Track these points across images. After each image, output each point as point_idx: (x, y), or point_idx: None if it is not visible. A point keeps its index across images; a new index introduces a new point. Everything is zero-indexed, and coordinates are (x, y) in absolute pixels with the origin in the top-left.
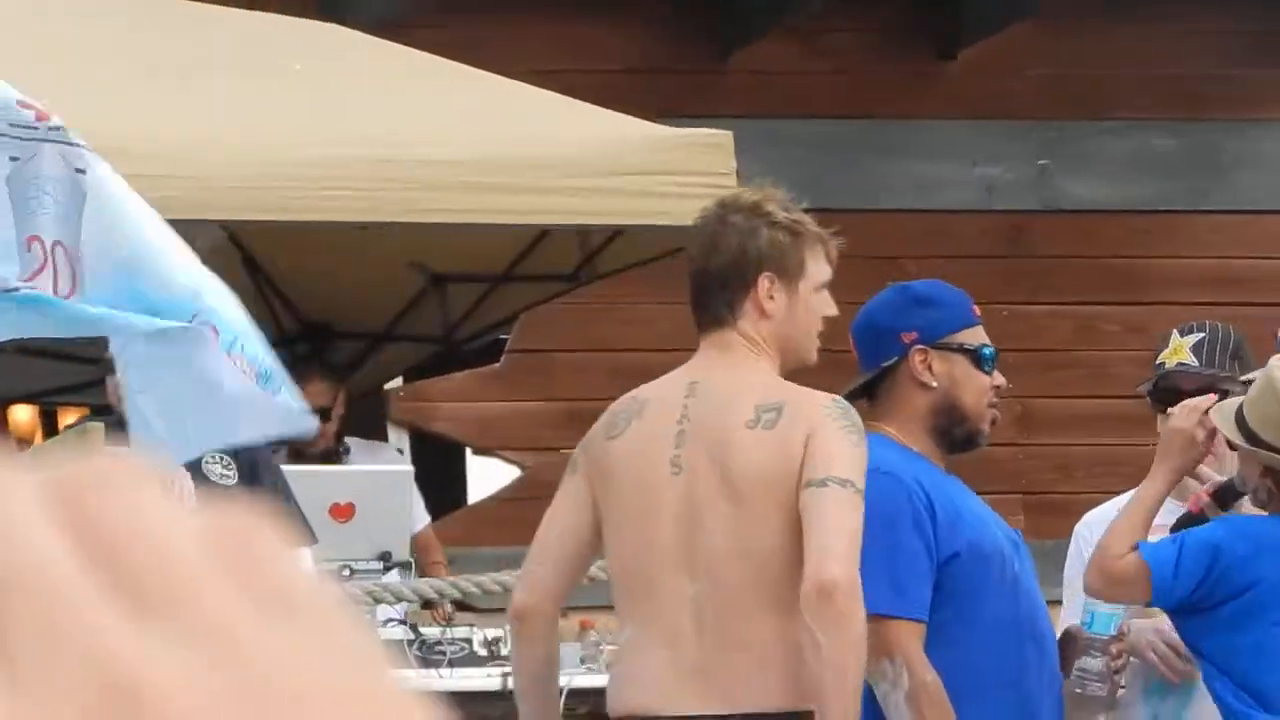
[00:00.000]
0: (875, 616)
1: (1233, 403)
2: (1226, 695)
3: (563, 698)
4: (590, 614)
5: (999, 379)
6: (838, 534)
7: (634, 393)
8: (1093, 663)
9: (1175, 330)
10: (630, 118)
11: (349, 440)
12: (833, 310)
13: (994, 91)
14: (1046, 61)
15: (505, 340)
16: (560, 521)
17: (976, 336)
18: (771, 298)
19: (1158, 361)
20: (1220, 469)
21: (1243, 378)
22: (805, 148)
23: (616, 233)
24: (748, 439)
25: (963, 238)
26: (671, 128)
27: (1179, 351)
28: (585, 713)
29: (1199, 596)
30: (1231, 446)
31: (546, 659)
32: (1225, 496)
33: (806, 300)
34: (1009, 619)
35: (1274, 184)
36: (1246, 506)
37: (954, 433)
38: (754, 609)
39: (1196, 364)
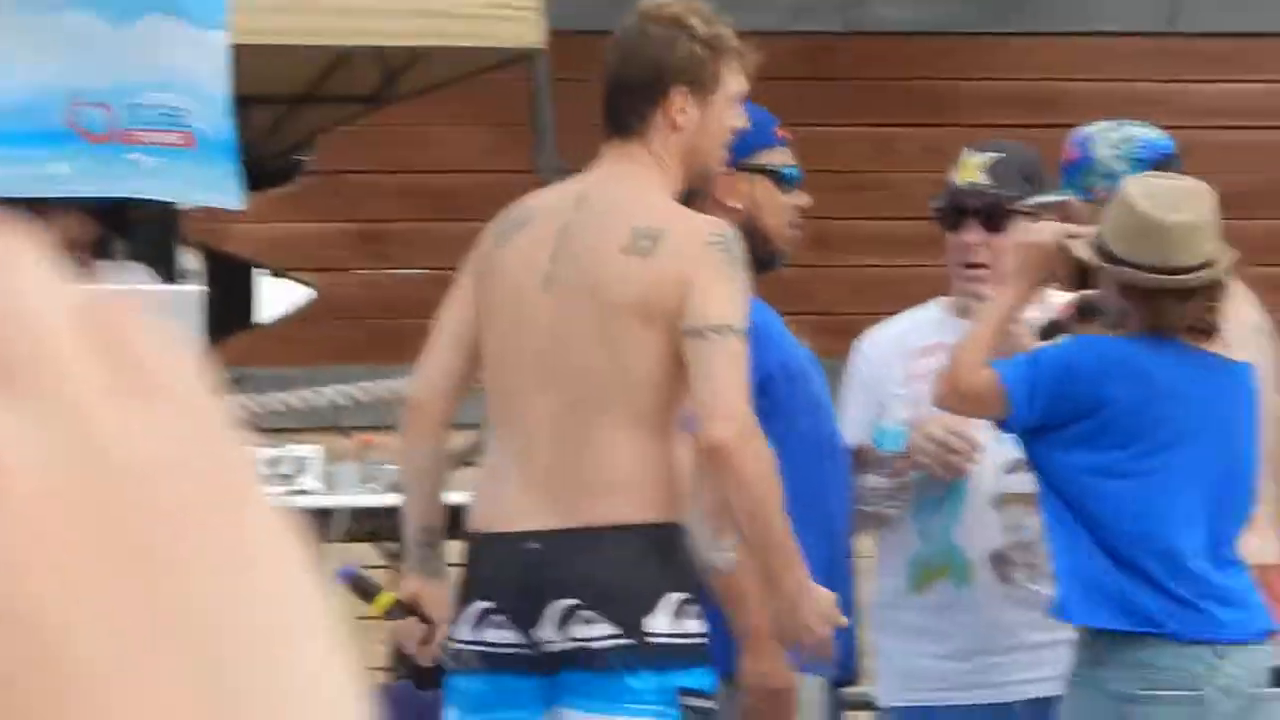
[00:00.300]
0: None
1: (1091, 232)
2: (1053, 517)
3: (344, 518)
4: (373, 434)
5: (801, 199)
6: (718, 389)
7: (528, 199)
8: (879, 481)
9: (968, 148)
10: None
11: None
12: (742, 122)
13: None
14: None
15: (303, 162)
16: (447, 321)
17: (779, 157)
18: (684, 110)
19: (949, 178)
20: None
21: (1032, 200)
22: None
23: (417, 54)
24: (620, 264)
25: (767, 59)
26: None
27: (970, 170)
28: (367, 533)
29: (1050, 416)
30: (1083, 271)
31: (434, 453)
32: (1087, 311)
33: (719, 113)
34: (813, 438)
35: (1077, 6)
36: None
37: (755, 253)
38: (610, 428)
39: (987, 183)
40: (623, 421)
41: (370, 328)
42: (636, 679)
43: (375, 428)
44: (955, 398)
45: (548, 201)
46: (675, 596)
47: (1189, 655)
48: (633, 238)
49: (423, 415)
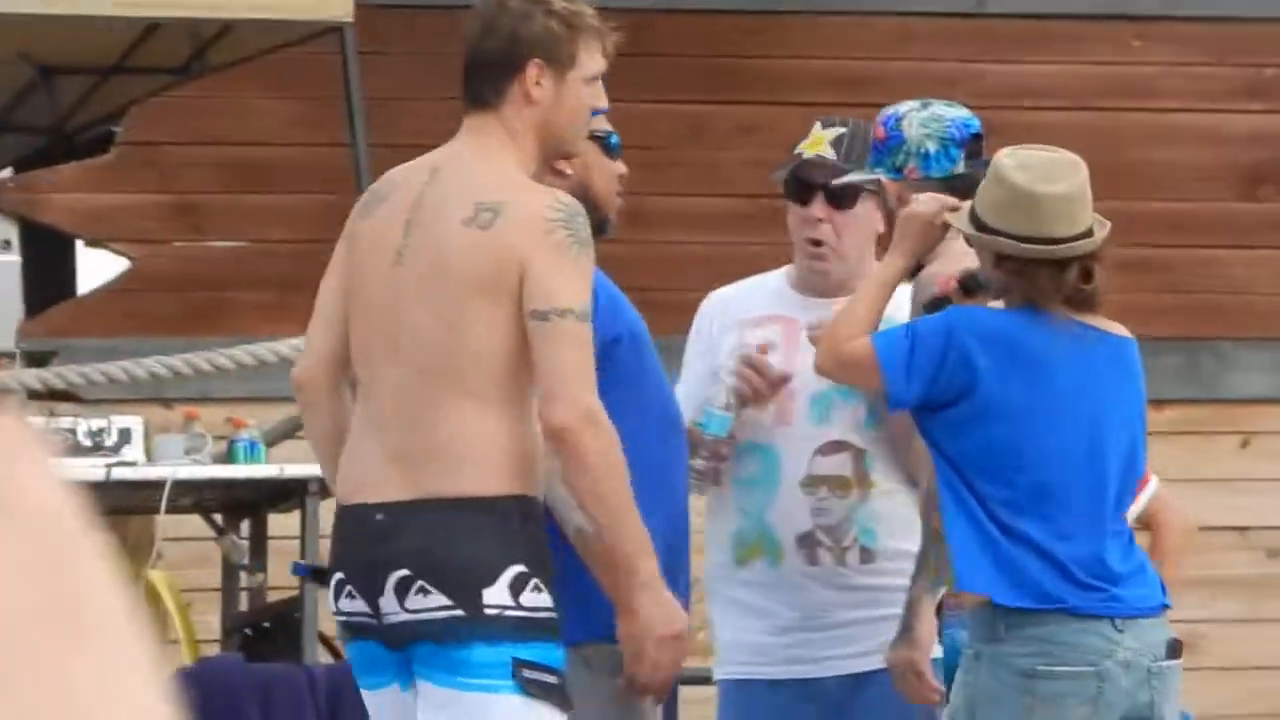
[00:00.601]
0: None
1: (967, 205)
2: (948, 493)
3: (166, 490)
4: (196, 405)
5: (622, 167)
6: (560, 373)
7: (391, 173)
8: (702, 464)
9: (818, 121)
10: None
11: None
12: (603, 103)
13: None
14: None
15: (115, 133)
16: (321, 296)
17: (602, 124)
18: (539, 84)
19: (796, 150)
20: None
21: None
22: None
23: (226, 26)
24: (463, 237)
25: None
26: None
27: (818, 143)
28: (191, 503)
29: (930, 393)
30: (969, 241)
31: (332, 424)
32: (970, 285)
33: (575, 91)
34: (658, 408)
35: None
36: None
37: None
38: (456, 401)
39: (834, 157)
40: (468, 394)
41: (188, 300)
42: (473, 651)
43: (197, 399)
44: (833, 363)
45: (406, 174)
46: (516, 569)
47: (1088, 630)
48: (475, 210)
49: (309, 395)
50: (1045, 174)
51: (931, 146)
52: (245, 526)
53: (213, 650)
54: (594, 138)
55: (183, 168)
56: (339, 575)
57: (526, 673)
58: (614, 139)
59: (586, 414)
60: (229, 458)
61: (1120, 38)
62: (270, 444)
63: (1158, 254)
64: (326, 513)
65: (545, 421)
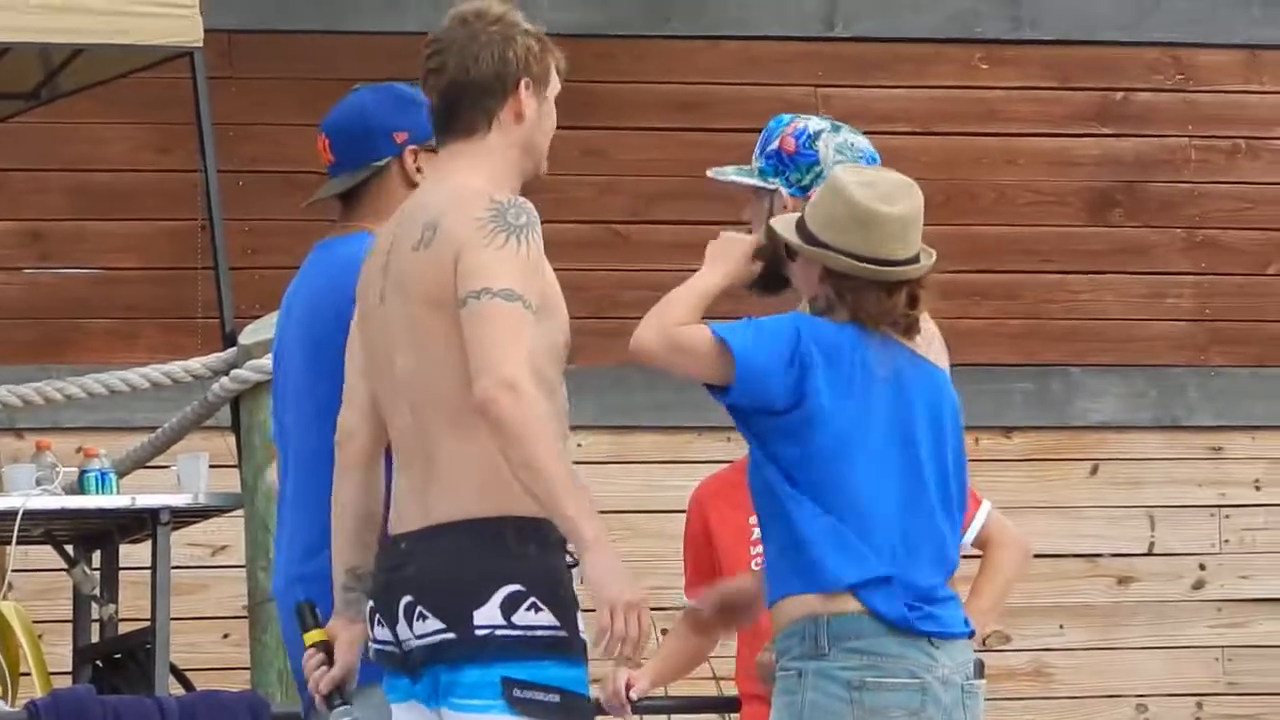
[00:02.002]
0: None
1: (791, 215)
2: (768, 504)
3: (17, 520)
4: (47, 435)
5: None
6: (480, 350)
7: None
8: None
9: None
10: None
11: None
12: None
13: None
14: None
15: None
16: (350, 345)
17: None
18: (530, 103)
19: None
20: None
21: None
22: None
23: (77, 51)
24: (413, 261)
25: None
26: None
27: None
28: (41, 534)
29: (769, 392)
30: (791, 257)
31: (358, 487)
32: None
33: (549, 108)
34: None
35: (734, 9)
36: None
37: None
38: (443, 426)
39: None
40: (457, 419)
41: (39, 328)
42: (464, 673)
43: (48, 429)
44: (662, 343)
45: (389, 221)
46: (510, 589)
47: (910, 645)
48: (421, 232)
49: (347, 445)
50: (885, 194)
51: None
52: (96, 557)
53: (64, 682)
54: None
55: (32, 194)
56: (370, 604)
57: (517, 691)
58: None
59: (503, 381)
60: (80, 488)
61: (967, 61)
62: (122, 474)
63: (1006, 279)
64: (178, 543)
65: (475, 400)
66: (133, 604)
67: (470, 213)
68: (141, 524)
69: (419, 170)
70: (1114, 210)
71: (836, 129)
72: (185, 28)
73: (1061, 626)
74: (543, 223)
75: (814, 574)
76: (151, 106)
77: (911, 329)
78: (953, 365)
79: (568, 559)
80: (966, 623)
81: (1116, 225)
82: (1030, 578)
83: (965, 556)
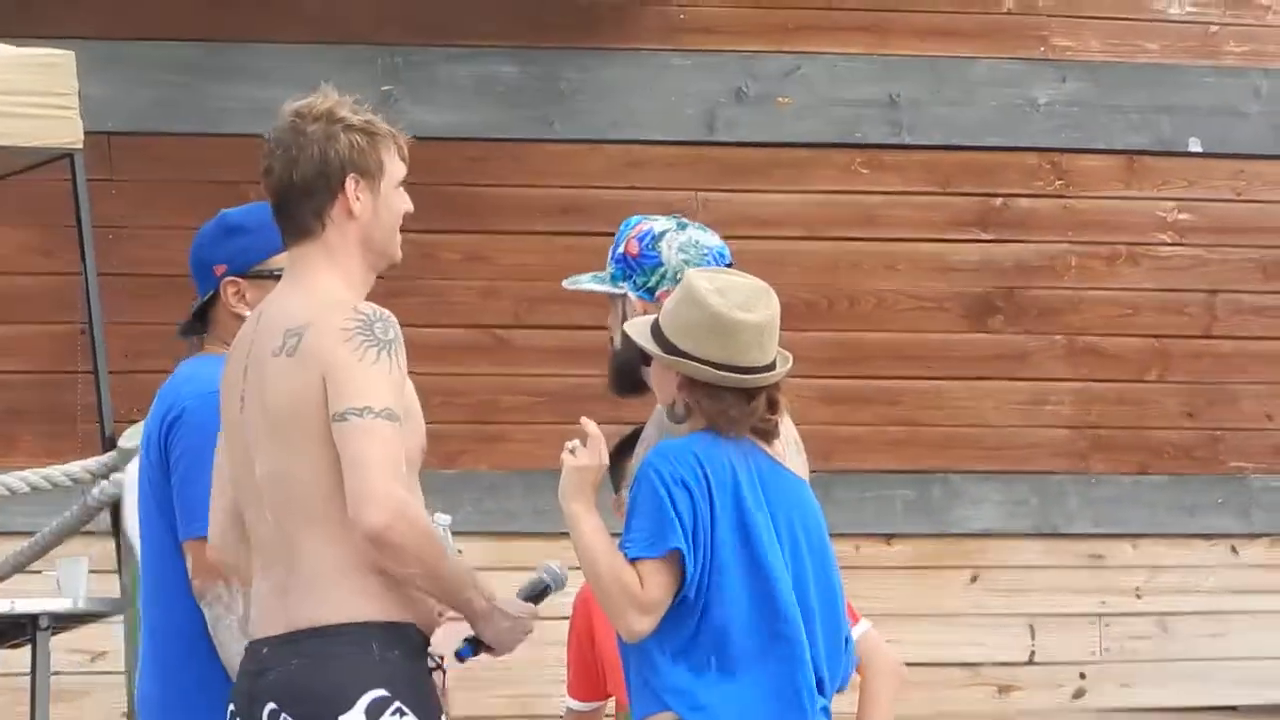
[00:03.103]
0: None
1: (645, 319)
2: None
3: None
4: None
5: None
6: (360, 470)
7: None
8: None
9: None
10: None
11: None
12: (409, 206)
13: (337, 14)
14: None
15: None
16: (217, 453)
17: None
18: (358, 199)
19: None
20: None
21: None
22: (151, 70)
23: None
24: (274, 367)
25: None
26: (10, 46)
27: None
28: None
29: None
30: (645, 361)
31: (222, 598)
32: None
33: (388, 198)
34: None
35: (613, 113)
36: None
37: None
38: (308, 532)
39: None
40: (317, 523)
41: None
42: None
43: None
44: (645, 618)
45: (245, 325)
46: (374, 694)
47: None
48: (283, 338)
49: (210, 558)
50: (742, 302)
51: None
52: None
53: None
54: (277, 277)
55: None
56: (230, 708)
57: None
58: None
59: (394, 510)
60: None
61: (847, 165)
62: (0, 579)
63: (886, 385)
64: (58, 649)
65: (356, 524)
66: (12, 710)
67: (335, 323)
68: (21, 629)
69: (242, 298)
70: (994, 316)
71: (682, 227)
72: (65, 129)
73: None
74: (424, 326)
75: (677, 695)
76: (32, 209)
77: (770, 434)
78: (834, 471)
79: (430, 663)
80: None
81: (996, 331)
82: (911, 686)
83: None
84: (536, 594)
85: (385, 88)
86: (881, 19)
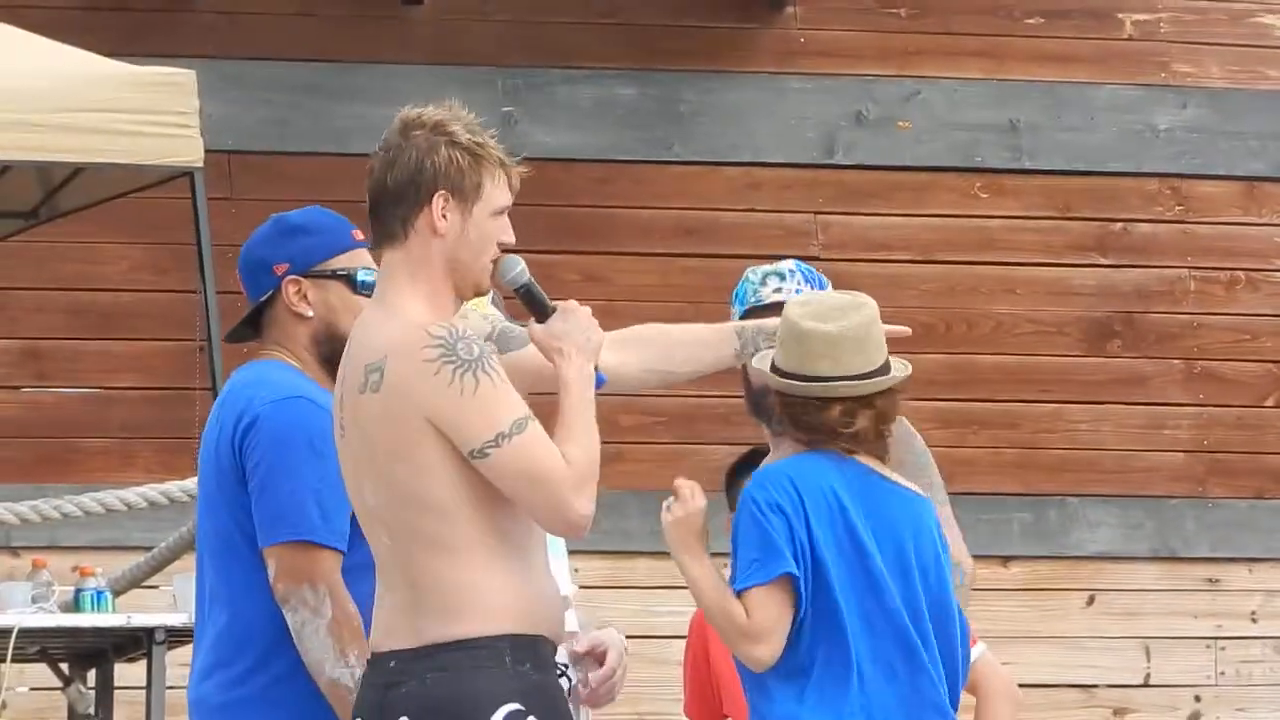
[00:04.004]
0: (303, 543)
1: (769, 352)
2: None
3: (12, 638)
4: (43, 553)
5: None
6: (537, 484)
7: None
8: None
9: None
10: (90, 53)
11: None
12: (510, 238)
13: (458, 36)
14: (510, 8)
15: None
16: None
17: (355, 260)
18: (444, 217)
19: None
20: None
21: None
22: (270, 90)
23: (76, 170)
24: (364, 405)
25: None
26: (133, 65)
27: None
28: (36, 652)
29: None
30: (751, 380)
31: None
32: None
33: (481, 224)
34: None
35: (732, 135)
36: None
37: (336, 359)
38: (427, 558)
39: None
40: (438, 548)
41: (36, 447)
42: None
43: (44, 547)
44: (759, 647)
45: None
46: (509, 708)
47: None
48: (365, 375)
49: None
50: (819, 312)
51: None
52: (91, 676)
53: None
54: (339, 276)
55: (30, 313)
56: (357, 718)
57: None
58: (364, 275)
59: (590, 493)
60: (75, 606)
61: (966, 190)
62: (118, 593)
63: (1004, 408)
64: (173, 662)
65: (566, 529)
66: None
67: (415, 355)
68: (137, 643)
69: (304, 298)
70: (1112, 341)
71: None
72: (186, 148)
73: None
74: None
75: None
76: (151, 226)
77: (869, 448)
78: (951, 494)
79: (562, 679)
80: None
81: (1115, 355)
82: (1027, 708)
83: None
84: (529, 300)
85: (506, 109)
86: (1000, 44)
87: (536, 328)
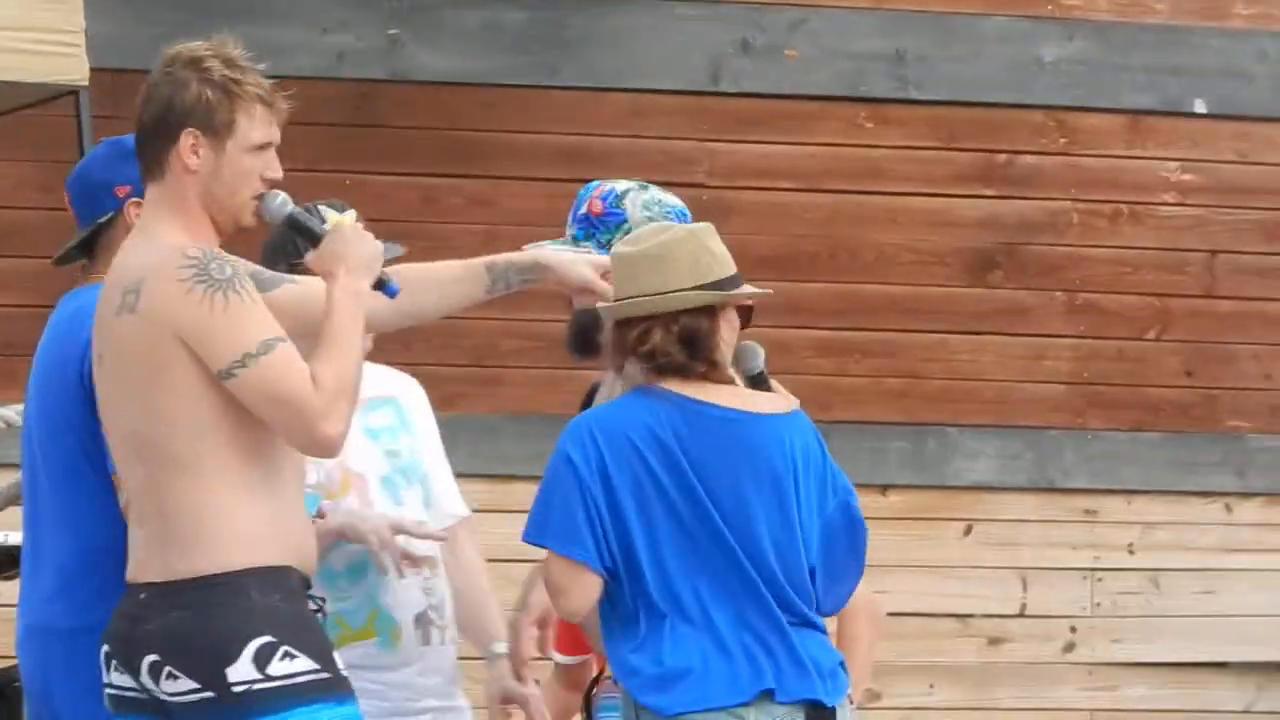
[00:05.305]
0: None
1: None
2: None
3: None
4: None
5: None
6: (284, 404)
7: None
8: None
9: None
10: None
11: None
12: (276, 173)
13: None
14: None
15: None
16: None
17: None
18: (196, 154)
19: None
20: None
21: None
22: (157, 7)
23: None
24: (120, 327)
25: (310, 104)
26: None
27: None
28: None
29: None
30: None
31: None
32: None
33: (236, 161)
34: None
35: (619, 62)
36: None
37: None
38: (181, 483)
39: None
40: (187, 473)
41: None
42: None
43: None
44: (564, 602)
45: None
46: (260, 641)
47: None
48: (122, 297)
49: None
50: (632, 238)
51: None
52: None
53: None
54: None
55: None
56: (106, 648)
57: None
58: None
59: (340, 414)
60: None
61: (853, 119)
62: None
63: (885, 337)
64: None
65: (313, 449)
66: (2, 642)
67: (169, 275)
68: (14, 561)
69: None
70: (995, 271)
71: (644, 187)
72: (71, 66)
73: (932, 686)
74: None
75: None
76: (36, 144)
77: (672, 369)
78: (831, 422)
79: (311, 604)
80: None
81: (997, 286)
82: (902, 635)
83: None
84: (298, 230)
85: (392, 32)
86: None
87: (310, 255)
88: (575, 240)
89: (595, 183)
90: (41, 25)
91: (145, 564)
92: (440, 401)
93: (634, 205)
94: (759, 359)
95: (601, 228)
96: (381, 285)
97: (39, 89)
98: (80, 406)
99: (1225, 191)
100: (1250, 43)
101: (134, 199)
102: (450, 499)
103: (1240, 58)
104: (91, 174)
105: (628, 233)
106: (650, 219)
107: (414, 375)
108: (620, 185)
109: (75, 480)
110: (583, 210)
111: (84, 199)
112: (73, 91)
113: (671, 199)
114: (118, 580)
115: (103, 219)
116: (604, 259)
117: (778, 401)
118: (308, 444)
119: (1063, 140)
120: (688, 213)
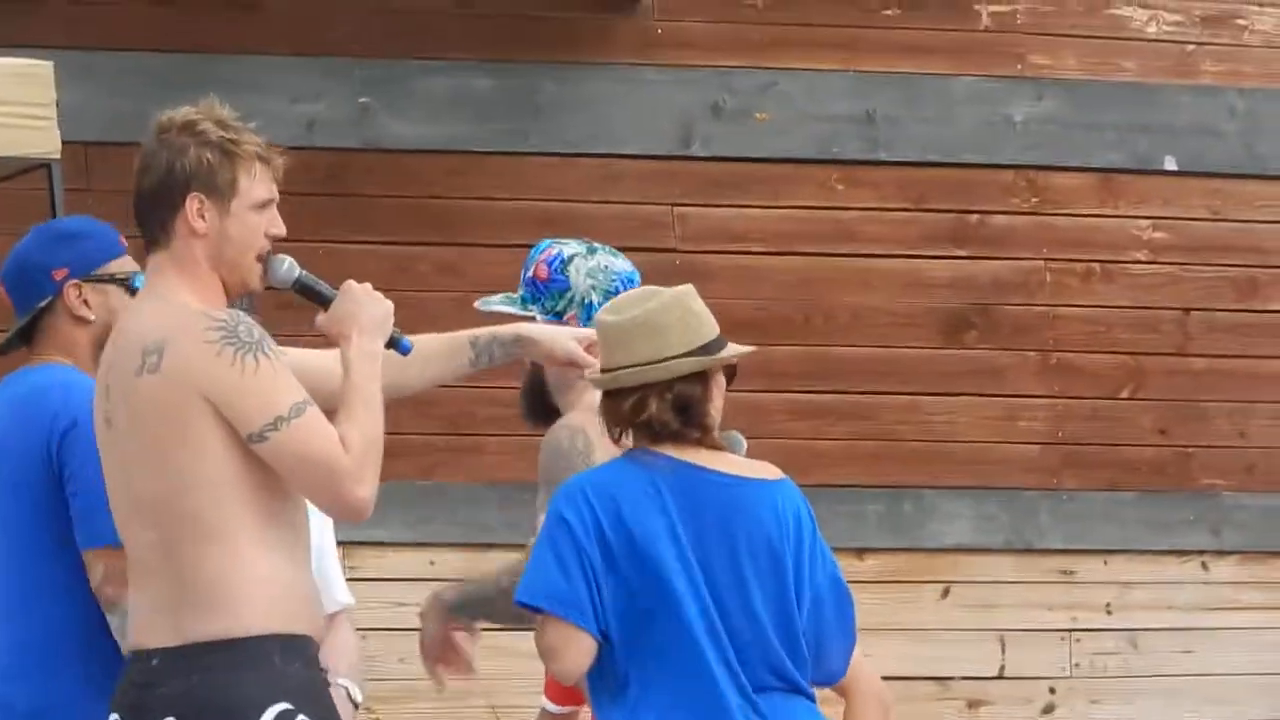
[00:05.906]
0: None
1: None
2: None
3: None
4: None
5: None
6: (315, 467)
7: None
8: None
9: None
10: None
11: None
12: (280, 230)
13: (315, 27)
14: None
15: None
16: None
17: (126, 265)
18: (202, 217)
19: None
20: None
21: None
22: (126, 80)
23: None
24: (142, 387)
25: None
26: None
27: None
28: None
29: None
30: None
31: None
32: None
33: (242, 220)
34: None
35: (589, 127)
36: None
37: None
38: (199, 547)
39: None
40: (208, 537)
41: None
42: None
43: None
44: (556, 667)
45: (109, 341)
46: (278, 708)
47: None
48: (142, 358)
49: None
50: (615, 306)
51: (596, 298)
52: None
53: None
54: (118, 281)
55: None
56: (114, 716)
57: None
58: (139, 279)
59: (370, 480)
60: None
61: (825, 181)
62: None
63: (860, 400)
64: None
65: (342, 513)
66: None
67: (197, 336)
68: None
69: (85, 303)
70: (968, 332)
71: (592, 251)
72: (43, 139)
73: None
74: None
75: None
76: (8, 218)
77: (667, 436)
78: (806, 485)
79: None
80: None
81: (970, 347)
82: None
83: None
84: (307, 294)
85: (362, 100)
86: (857, 35)
87: (321, 318)
88: (523, 302)
89: (547, 242)
90: (13, 98)
91: (152, 629)
92: (418, 470)
93: (578, 273)
94: (742, 448)
95: (546, 294)
96: (394, 344)
97: (11, 162)
98: (44, 480)
99: (1197, 249)
100: (1220, 99)
101: (72, 280)
102: (339, 585)
103: (1210, 114)
104: (27, 259)
105: (571, 301)
106: (594, 287)
107: (391, 444)
108: (568, 249)
109: (34, 557)
110: (530, 273)
111: (20, 286)
112: (44, 164)
113: (620, 263)
114: (78, 659)
115: (41, 304)
116: (586, 332)
117: (769, 468)
118: (338, 506)
119: (1034, 199)
120: (636, 276)
